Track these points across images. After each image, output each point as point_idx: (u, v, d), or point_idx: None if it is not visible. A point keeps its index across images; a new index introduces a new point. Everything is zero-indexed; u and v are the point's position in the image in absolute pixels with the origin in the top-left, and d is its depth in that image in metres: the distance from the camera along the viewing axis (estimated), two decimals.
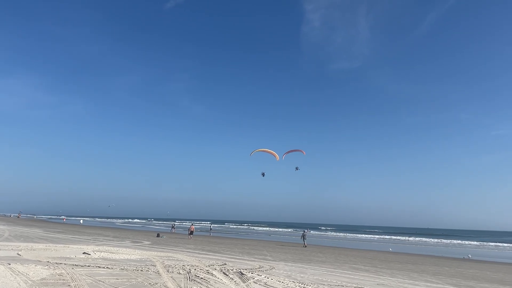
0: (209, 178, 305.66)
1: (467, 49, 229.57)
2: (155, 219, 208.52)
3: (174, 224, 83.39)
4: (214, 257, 24.11)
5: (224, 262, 20.04)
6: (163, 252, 25.50)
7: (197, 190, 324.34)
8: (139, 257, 20.49)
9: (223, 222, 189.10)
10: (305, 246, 43.10)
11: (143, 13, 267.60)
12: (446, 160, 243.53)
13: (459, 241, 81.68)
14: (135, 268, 15.22)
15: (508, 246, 71.94)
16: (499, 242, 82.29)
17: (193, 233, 49.85)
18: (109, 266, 15.37)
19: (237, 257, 25.45)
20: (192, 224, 53.17)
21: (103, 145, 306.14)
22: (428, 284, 17.25)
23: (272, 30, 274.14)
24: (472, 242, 79.71)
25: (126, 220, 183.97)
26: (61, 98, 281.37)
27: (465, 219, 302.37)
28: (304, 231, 47.43)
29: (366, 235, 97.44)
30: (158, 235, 50.67)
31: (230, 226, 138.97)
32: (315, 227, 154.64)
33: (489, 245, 73.08)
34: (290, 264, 22.37)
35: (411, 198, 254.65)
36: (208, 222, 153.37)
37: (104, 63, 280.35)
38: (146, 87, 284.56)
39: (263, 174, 36.53)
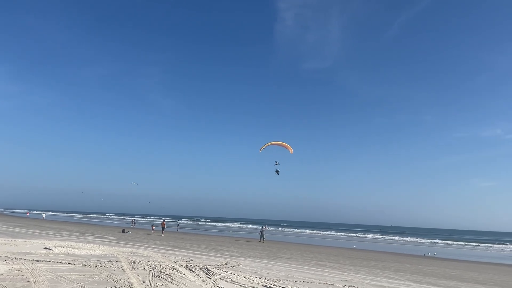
0: (179, 174, 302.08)
1: (433, 53, 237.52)
2: (115, 214, 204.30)
3: (134, 220, 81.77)
4: (180, 253, 23.92)
5: (190, 258, 19.93)
6: (128, 248, 25.07)
7: (164, 186, 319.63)
8: (103, 252, 20.06)
9: (192, 218, 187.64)
10: (262, 242, 43.60)
11: (113, 2, 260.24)
12: (410, 160, 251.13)
13: (421, 239, 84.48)
14: (98, 264, 14.89)
15: (468, 245, 75.08)
16: (459, 241, 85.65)
17: (164, 229, 49.23)
18: (71, 262, 14.97)
19: (204, 253, 25.36)
20: (163, 220, 52.50)
21: (67, 137, 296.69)
22: (390, 280, 17.76)
23: (245, 26, 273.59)
24: (433, 240, 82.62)
25: (88, 215, 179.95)
26: (24, 88, 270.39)
27: (428, 218, 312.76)
28: (262, 227, 48.37)
29: (333, 232, 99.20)
30: (123, 231, 49.75)
31: (199, 222, 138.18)
32: (283, 224, 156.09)
33: (450, 244, 75.97)
34: (256, 260, 22.49)
35: (377, 197, 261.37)
36: (169, 218, 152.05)
37: (71, 53, 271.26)
38: (114, 79, 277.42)
39: (277, 172, 34.58)
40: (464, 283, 19.24)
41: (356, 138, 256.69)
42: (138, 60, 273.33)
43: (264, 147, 31.24)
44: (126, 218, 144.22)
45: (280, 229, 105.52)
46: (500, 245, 76.19)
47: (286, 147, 31.57)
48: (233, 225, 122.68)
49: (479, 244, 78.63)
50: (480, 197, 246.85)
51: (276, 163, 33.72)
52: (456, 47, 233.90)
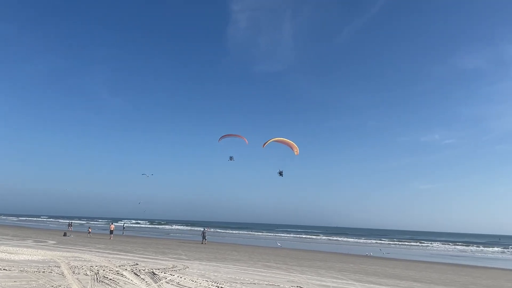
0: (122, 175, 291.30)
1: (379, 60, 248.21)
2: (50, 217, 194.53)
3: (71, 222, 78.31)
4: (125, 257, 23.24)
5: (136, 262, 19.42)
6: (70, 252, 23.98)
7: (106, 186, 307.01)
8: (42, 257, 19.05)
9: (136, 220, 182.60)
10: (204, 243, 43.95)
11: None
12: (357, 162, 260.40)
13: (365, 240, 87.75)
14: (36, 270, 14.13)
15: (407, 244, 79.04)
16: (399, 241, 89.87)
17: (113, 232, 47.21)
18: (6, 268, 14.08)
19: (151, 256, 24.81)
20: (112, 223, 50.58)
21: (6, 137, 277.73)
22: (334, 280, 18.32)
23: (197, 27, 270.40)
24: (377, 241, 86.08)
25: (21, 217, 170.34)
26: None
27: (371, 219, 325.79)
28: (204, 229, 49.00)
29: (281, 234, 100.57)
30: (64, 234, 47.54)
31: (147, 225, 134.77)
32: (232, 226, 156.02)
33: (392, 244, 79.55)
34: (204, 263, 22.35)
35: (323, 198, 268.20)
36: (105, 221, 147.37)
37: (11, 48, 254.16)
38: (59, 76, 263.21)
39: (280, 173, 32.64)
40: (403, 281, 20.25)
41: (304, 141, 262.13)
42: (84, 57, 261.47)
43: (267, 142, 29.13)
44: (60, 221, 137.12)
45: (229, 231, 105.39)
46: (436, 244, 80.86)
47: (291, 146, 29.34)
48: (179, 227, 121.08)
49: (418, 243, 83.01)
50: (420, 199, 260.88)
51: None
52: (399, 55, 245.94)
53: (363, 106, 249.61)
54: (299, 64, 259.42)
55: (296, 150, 29.07)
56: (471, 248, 74.64)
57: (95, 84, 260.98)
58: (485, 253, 61.94)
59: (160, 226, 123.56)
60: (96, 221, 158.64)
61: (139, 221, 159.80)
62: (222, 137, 34.72)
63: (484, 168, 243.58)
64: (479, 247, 77.21)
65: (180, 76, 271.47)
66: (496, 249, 72.39)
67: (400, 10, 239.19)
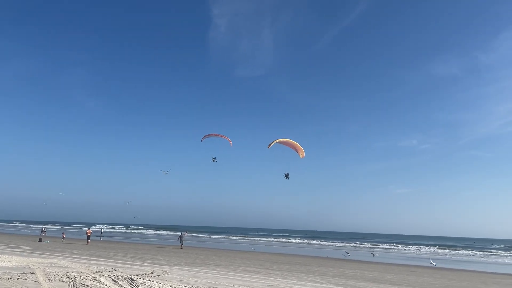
0: (98, 178, 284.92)
1: (358, 66, 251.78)
2: (22, 222, 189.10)
3: (45, 228, 76.22)
4: (103, 262, 22.84)
5: (114, 268, 19.11)
6: (45, 258, 23.42)
7: (85, 192, 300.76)
8: (16, 264, 18.54)
9: (114, 225, 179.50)
10: (181, 248, 44.35)
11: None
12: (336, 167, 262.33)
13: (345, 243, 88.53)
14: (10, 277, 13.74)
15: (385, 248, 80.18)
16: (377, 244, 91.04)
17: (90, 238, 46.27)
18: None
19: (129, 262, 24.45)
20: (89, 228, 49.59)
21: None
22: (314, 284, 18.45)
23: (179, 30, 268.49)
24: (355, 244, 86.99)
25: None
26: None
27: (350, 223, 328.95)
28: (181, 233, 49.41)
29: (261, 238, 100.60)
30: (40, 240, 46.37)
31: (122, 230, 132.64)
32: (213, 230, 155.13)
33: (369, 247, 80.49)
34: (184, 268, 22.16)
35: (303, 202, 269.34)
36: (77, 226, 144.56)
37: None
38: (34, 77, 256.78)
39: (287, 176, 32.29)
40: (381, 285, 20.54)
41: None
42: (61, 59, 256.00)
43: (272, 143, 27.80)
44: (32, 226, 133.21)
45: (208, 236, 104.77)
46: (413, 247, 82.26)
47: (296, 149, 28.07)
48: (156, 231, 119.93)
49: (395, 246, 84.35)
50: (395, 203, 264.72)
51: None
52: (377, 61, 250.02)
53: (342, 111, 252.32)
54: (279, 69, 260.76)
55: (302, 153, 27.98)
56: (446, 251, 76.22)
57: (71, 86, 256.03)
58: (459, 256, 63.36)
59: (137, 231, 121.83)
60: (70, 226, 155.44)
61: (114, 226, 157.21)
62: (205, 136, 34.02)
63: (458, 173, 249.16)
64: (454, 250, 78.97)
65: (159, 80, 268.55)
66: (470, 252, 74.22)
67: (377, 18, 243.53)
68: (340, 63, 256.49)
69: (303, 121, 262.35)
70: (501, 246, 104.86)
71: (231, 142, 33.78)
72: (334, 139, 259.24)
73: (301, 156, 28.07)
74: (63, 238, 49.39)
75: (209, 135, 33.69)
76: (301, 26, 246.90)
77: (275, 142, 27.31)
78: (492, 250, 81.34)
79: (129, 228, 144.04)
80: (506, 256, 68.00)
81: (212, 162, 34.88)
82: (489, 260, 56.76)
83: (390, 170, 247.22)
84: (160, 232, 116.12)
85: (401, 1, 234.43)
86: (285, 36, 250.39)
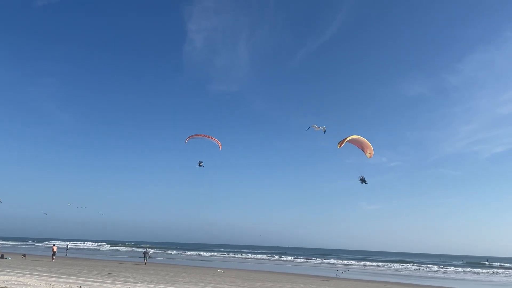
0: (67, 193, 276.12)
1: (330, 84, 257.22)
2: None
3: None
4: (68, 280, 22.18)
5: (80, 286, 18.62)
6: (7, 275, 22.52)
7: (48, 206, 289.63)
8: None
9: (82, 241, 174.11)
10: (145, 264, 44.20)
11: (9, 8, 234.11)
12: (309, 183, 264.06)
13: (318, 260, 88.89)
14: None
15: (356, 264, 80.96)
16: (349, 260, 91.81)
17: (55, 254, 44.66)
18: None
19: (96, 279, 23.83)
20: (54, 245, 47.68)
21: None
22: None
23: (153, 43, 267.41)
24: (328, 260, 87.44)
25: None
26: None
27: (322, 239, 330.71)
28: (146, 250, 49.66)
29: (232, 255, 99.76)
30: (2, 256, 44.42)
31: (100, 246, 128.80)
32: (184, 247, 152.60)
33: (341, 264, 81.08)
34: (153, 285, 21.80)
35: (275, 218, 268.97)
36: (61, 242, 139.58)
37: None
38: (1, 88, 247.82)
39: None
40: None
41: (257, 161, 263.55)
42: (30, 69, 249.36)
43: (344, 142, 25.42)
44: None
45: (180, 252, 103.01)
46: (382, 263, 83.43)
47: (365, 148, 26.11)
48: (122, 248, 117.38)
49: (366, 263, 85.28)
50: (367, 219, 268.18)
51: (200, 164, 31.37)
52: (349, 79, 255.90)
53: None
54: (254, 85, 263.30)
55: (371, 152, 26.55)
56: (414, 266, 77.64)
57: (41, 97, 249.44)
58: (426, 272, 64.71)
59: (100, 248, 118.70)
60: (26, 241, 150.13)
61: (79, 242, 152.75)
62: (191, 137, 31.41)
63: (426, 189, 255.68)
64: (426, 266, 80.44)
65: (132, 93, 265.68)
66: (436, 267, 76.03)
67: (351, 36, 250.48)
68: (313, 80, 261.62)
69: (277, 137, 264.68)
70: (461, 262, 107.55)
71: (220, 145, 31.33)
72: (307, 155, 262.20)
73: (368, 156, 26.61)
74: (24, 256, 47.32)
75: (195, 135, 31.21)
76: (277, 42, 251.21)
77: (346, 140, 25.60)
78: (448, 267, 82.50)
79: (95, 244, 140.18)
80: (463, 272, 69.86)
81: (199, 167, 32.64)
82: (436, 275, 58.27)
83: (361, 186, 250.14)
84: (124, 249, 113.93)
85: (373, 21, 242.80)
86: (261, 52, 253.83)
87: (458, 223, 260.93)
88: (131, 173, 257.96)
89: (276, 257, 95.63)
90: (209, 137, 31.14)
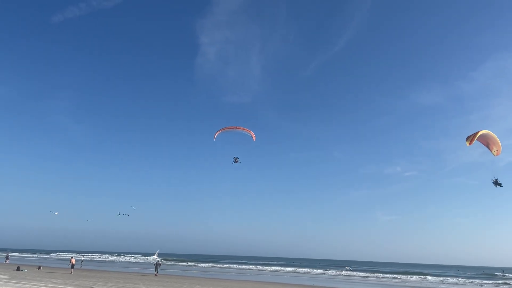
0: (83, 204, 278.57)
1: (343, 95, 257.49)
2: None
3: (8, 255, 73.65)
4: None
5: None
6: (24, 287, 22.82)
7: (67, 216, 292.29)
8: None
9: (101, 253, 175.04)
10: (156, 275, 44.00)
11: (27, 23, 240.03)
12: (323, 194, 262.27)
13: (334, 271, 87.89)
14: None
15: (369, 276, 79.80)
16: (365, 272, 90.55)
17: (74, 266, 44.66)
18: None
19: None
20: (72, 257, 47.31)
21: None
22: None
23: (167, 57, 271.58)
24: (342, 272, 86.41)
25: None
26: None
27: (337, 250, 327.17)
28: (157, 261, 50.34)
29: (248, 266, 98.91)
30: (18, 268, 44.92)
31: (108, 257, 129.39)
32: (193, 258, 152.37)
33: (360, 275, 79.97)
34: None
35: (290, 229, 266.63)
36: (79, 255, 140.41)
37: None
38: (18, 101, 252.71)
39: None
40: None
41: (271, 171, 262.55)
42: (46, 82, 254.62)
43: (476, 136, 23.12)
44: None
45: (190, 264, 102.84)
46: (396, 275, 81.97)
47: (493, 144, 23.58)
48: (134, 259, 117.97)
49: (379, 275, 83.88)
50: (383, 230, 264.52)
51: (236, 160, 29.46)
52: (363, 89, 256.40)
53: (328, 138, 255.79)
54: (266, 96, 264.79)
55: (498, 150, 24.36)
56: (430, 278, 76.17)
57: (57, 110, 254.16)
58: (443, 283, 63.45)
59: (110, 259, 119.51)
60: (34, 253, 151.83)
61: (86, 254, 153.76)
62: (221, 130, 28.75)
63: (442, 199, 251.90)
64: (438, 277, 78.94)
65: (146, 106, 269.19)
66: (453, 279, 74.39)
67: (364, 47, 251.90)
68: (326, 91, 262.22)
69: (289, 147, 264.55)
70: (474, 273, 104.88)
71: (253, 136, 28.93)
72: (320, 166, 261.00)
73: (495, 153, 24.81)
74: (39, 268, 47.57)
75: (225, 128, 28.78)
76: (289, 54, 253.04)
77: (477, 136, 23.55)
78: (457, 278, 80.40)
79: (121, 255, 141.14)
80: (480, 284, 68.22)
81: (234, 164, 30.42)
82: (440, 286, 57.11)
83: (376, 197, 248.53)
84: (133, 260, 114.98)
85: (387, 31, 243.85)
86: (273, 63, 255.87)
87: (475, 233, 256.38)
88: (143, 185, 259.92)
89: (290, 269, 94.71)
90: (241, 128, 28.88)
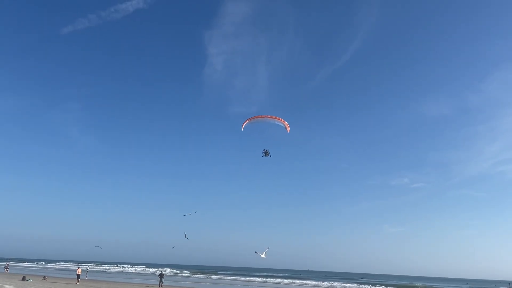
0: (89, 215, 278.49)
1: (349, 106, 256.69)
2: None
3: (8, 264, 73.26)
4: None
5: None
6: None
7: (73, 227, 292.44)
8: None
9: (100, 263, 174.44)
10: (160, 287, 43.12)
11: (35, 36, 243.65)
12: (329, 205, 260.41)
13: (338, 283, 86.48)
14: None
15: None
16: (371, 285, 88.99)
17: (80, 276, 44.04)
18: None
19: None
20: (78, 267, 46.65)
21: None
22: None
23: (174, 68, 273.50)
24: (347, 284, 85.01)
25: None
26: None
27: (344, 262, 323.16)
28: (161, 272, 49.41)
29: (256, 278, 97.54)
30: (23, 278, 44.71)
31: (107, 267, 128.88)
32: (205, 269, 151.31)
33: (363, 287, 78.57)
34: None
35: (295, 240, 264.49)
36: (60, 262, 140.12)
37: None
38: (26, 113, 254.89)
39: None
40: None
41: (276, 181, 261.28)
42: (55, 94, 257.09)
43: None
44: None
45: (195, 275, 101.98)
46: None
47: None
48: (132, 269, 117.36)
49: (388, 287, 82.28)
50: (389, 242, 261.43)
51: (266, 153, 27.53)
52: (369, 100, 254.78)
53: (334, 149, 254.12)
54: (273, 106, 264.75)
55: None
56: None
57: (65, 122, 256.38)
58: None
59: (111, 268, 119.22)
60: (36, 263, 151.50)
61: (87, 264, 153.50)
62: (250, 120, 26.08)
63: (450, 211, 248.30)
64: None
65: (153, 116, 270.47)
66: None
67: (371, 58, 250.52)
68: (333, 101, 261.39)
69: (296, 157, 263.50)
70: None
71: (288, 126, 26.37)
72: (326, 176, 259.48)
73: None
74: (44, 278, 47.06)
75: (254, 117, 26.00)
76: (296, 64, 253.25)
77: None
78: None
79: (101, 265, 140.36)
80: None
81: (264, 157, 28.36)
82: None
83: (383, 208, 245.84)
84: (135, 270, 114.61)
85: (394, 42, 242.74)
86: (280, 74, 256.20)
87: (483, 246, 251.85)
88: (151, 194, 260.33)
89: (297, 281, 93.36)
90: (273, 117, 25.81)
